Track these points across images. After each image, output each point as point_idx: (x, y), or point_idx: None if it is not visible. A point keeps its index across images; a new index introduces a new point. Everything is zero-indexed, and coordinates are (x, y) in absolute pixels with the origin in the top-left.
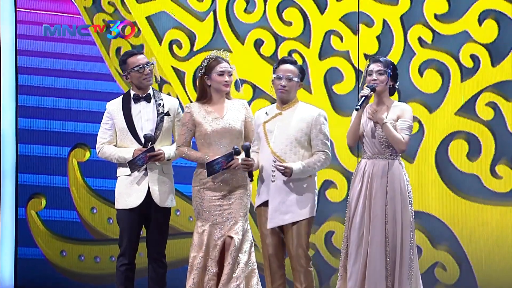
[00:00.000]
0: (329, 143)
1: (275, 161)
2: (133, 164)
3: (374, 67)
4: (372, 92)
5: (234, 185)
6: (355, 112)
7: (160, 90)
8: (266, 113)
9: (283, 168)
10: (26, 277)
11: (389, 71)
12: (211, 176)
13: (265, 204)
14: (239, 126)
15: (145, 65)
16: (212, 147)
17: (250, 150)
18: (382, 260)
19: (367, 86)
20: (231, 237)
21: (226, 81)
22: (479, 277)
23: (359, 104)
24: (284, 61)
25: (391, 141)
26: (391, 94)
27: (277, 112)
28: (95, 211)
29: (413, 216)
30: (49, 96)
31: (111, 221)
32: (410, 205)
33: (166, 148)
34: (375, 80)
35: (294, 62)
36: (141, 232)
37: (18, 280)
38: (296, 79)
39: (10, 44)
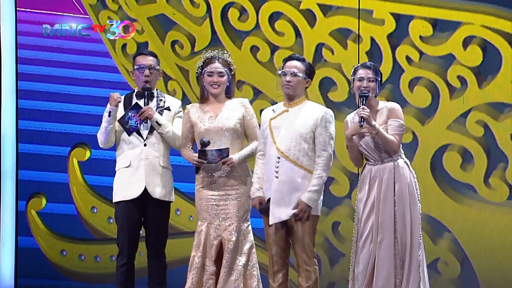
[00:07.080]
0: (332, 142)
1: (279, 158)
2: (125, 124)
3: (366, 73)
4: (365, 102)
5: (232, 185)
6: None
7: (166, 86)
8: (273, 110)
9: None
10: (26, 277)
11: (379, 78)
12: (202, 163)
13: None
14: (233, 124)
15: (145, 66)
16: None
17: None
18: (391, 261)
19: (360, 95)
20: (227, 239)
21: (214, 82)
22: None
23: (361, 123)
24: (290, 58)
25: (385, 145)
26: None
27: (284, 109)
28: (95, 210)
29: (421, 213)
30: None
31: (111, 220)
32: (418, 202)
33: (161, 117)
34: (366, 87)
35: (301, 59)
36: (141, 232)
37: (19, 280)
38: (301, 74)
39: (10, 50)
